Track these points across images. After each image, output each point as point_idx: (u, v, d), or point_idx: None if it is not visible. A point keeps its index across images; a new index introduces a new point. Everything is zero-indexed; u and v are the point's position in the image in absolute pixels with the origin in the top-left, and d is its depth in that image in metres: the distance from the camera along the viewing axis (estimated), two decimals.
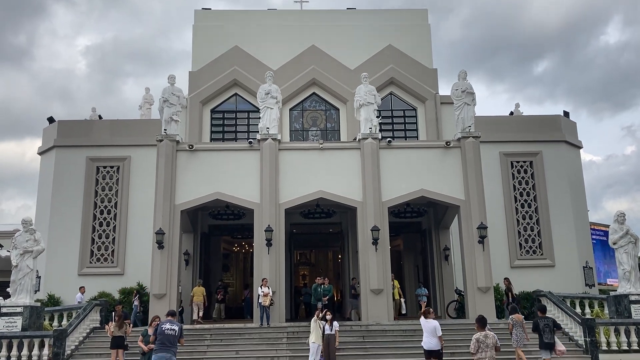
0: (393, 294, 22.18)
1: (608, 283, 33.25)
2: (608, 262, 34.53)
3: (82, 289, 23.09)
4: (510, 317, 16.01)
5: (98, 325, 19.92)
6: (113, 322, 16.56)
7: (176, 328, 10.71)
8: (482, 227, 21.09)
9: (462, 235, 21.79)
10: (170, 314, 11.21)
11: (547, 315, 15.13)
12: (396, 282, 23.04)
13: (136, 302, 22.83)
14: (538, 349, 14.87)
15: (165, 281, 20.55)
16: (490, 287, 21.01)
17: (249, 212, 22.69)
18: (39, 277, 25.66)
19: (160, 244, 20.69)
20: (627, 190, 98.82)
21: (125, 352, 16.43)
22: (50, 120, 28.58)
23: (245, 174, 21.98)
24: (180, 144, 22.15)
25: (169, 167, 21.62)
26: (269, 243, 21.08)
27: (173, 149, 21.87)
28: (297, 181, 22.01)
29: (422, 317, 13.58)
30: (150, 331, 10.93)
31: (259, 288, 20.17)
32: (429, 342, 12.98)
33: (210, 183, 21.77)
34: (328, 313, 16.23)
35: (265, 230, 21.06)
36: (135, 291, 23.70)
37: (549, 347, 14.33)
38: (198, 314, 21.76)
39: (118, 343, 16.21)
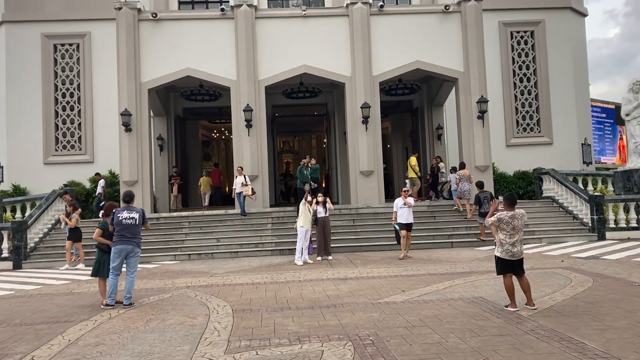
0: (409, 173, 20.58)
1: (602, 161, 32.23)
2: (603, 140, 33.36)
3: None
4: (458, 172, 18.28)
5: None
6: (64, 213, 14.67)
7: (135, 216, 8.94)
8: (483, 101, 19.22)
9: (460, 111, 19.93)
10: (127, 195, 9.21)
11: (486, 190, 16.72)
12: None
13: (100, 190, 20.68)
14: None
15: (136, 166, 18.71)
16: (489, 165, 19.55)
17: (226, 93, 20.49)
18: (1, 167, 23.84)
19: (127, 127, 18.60)
20: (607, 73, 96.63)
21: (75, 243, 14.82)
22: None
23: (218, 47, 19.46)
24: (142, 12, 19.34)
25: (131, 39, 18.99)
26: (248, 124, 19.10)
27: (134, 18, 19.11)
28: (278, 55, 19.60)
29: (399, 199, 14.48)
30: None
31: (235, 178, 18.45)
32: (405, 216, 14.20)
33: (180, 58, 19.28)
34: (320, 195, 14.73)
35: (243, 110, 18.98)
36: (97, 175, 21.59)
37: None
38: (205, 201, 21.52)
39: (77, 235, 14.58)
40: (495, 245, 7.94)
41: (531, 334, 6.40)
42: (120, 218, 8.86)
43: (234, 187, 18.39)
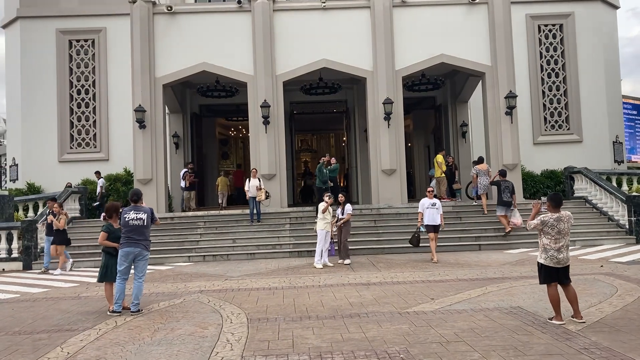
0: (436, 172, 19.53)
1: (633, 160, 30.99)
2: (633, 137, 32.12)
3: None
4: (475, 167, 17.77)
5: (78, 215, 17.82)
6: (52, 215, 13.84)
7: (143, 217, 8.29)
8: (511, 96, 18.31)
9: (487, 107, 19.05)
10: (134, 194, 8.52)
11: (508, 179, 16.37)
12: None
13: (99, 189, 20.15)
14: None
15: (150, 164, 18.16)
16: (517, 164, 18.64)
17: (243, 90, 19.86)
18: (17, 165, 23.53)
19: (141, 123, 18.06)
20: (630, 72, 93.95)
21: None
22: None
23: (235, 41, 18.82)
24: (157, 5, 18.79)
25: (145, 33, 18.45)
26: (265, 121, 18.43)
27: (149, 11, 18.56)
28: (297, 49, 18.89)
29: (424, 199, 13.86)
30: (116, 225, 8.46)
31: (247, 180, 17.63)
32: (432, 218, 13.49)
33: (195, 52, 18.67)
34: (341, 196, 13.99)
35: (261, 106, 18.31)
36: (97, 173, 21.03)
37: (506, 204, 15.64)
38: (223, 201, 20.81)
39: (62, 238, 13.80)
40: (539, 250, 7.15)
41: (585, 354, 5.62)
42: (127, 219, 8.23)
43: (246, 189, 17.40)
